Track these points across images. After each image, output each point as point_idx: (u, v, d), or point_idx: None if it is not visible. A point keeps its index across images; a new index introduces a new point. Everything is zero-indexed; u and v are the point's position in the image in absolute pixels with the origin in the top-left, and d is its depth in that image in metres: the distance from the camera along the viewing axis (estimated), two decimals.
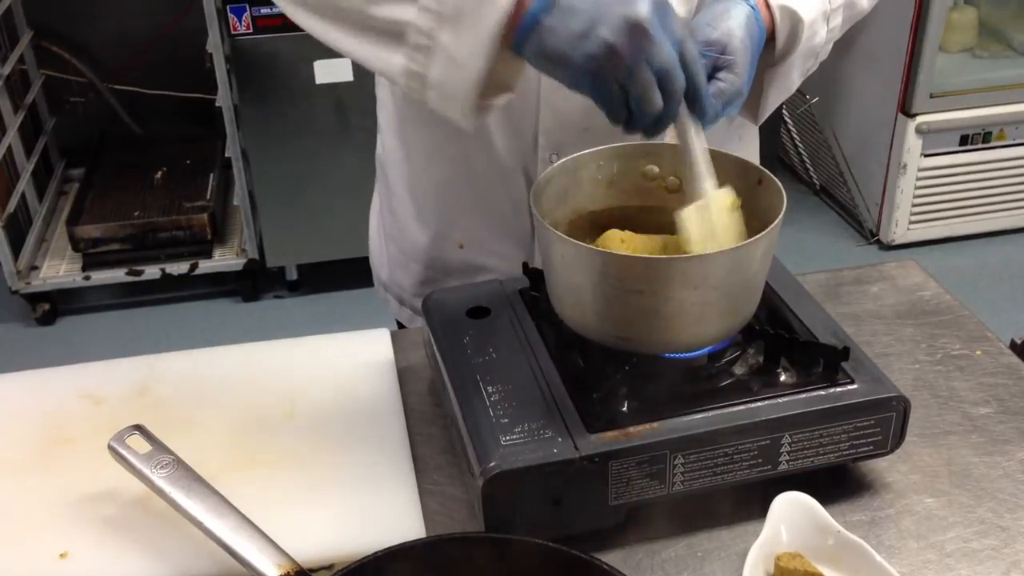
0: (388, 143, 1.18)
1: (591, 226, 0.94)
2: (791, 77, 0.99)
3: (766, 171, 0.88)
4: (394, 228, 1.22)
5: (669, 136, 0.90)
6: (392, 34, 0.82)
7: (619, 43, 0.73)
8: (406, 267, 1.21)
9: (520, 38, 0.77)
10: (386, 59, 0.83)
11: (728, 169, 0.90)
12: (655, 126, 0.79)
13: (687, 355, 0.86)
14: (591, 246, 0.84)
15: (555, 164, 0.91)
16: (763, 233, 0.80)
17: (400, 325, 1.27)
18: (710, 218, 0.83)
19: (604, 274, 0.81)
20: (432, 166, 1.13)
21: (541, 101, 1.02)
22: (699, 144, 0.82)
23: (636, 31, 0.73)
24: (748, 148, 1.20)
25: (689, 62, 0.77)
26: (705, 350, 0.86)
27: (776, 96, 1.00)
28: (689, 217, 0.83)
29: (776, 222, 0.81)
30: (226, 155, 2.78)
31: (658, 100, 0.76)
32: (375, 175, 1.26)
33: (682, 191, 0.93)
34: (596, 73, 0.75)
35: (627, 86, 0.75)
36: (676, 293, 0.79)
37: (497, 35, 0.77)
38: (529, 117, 1.03)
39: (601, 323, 0.84)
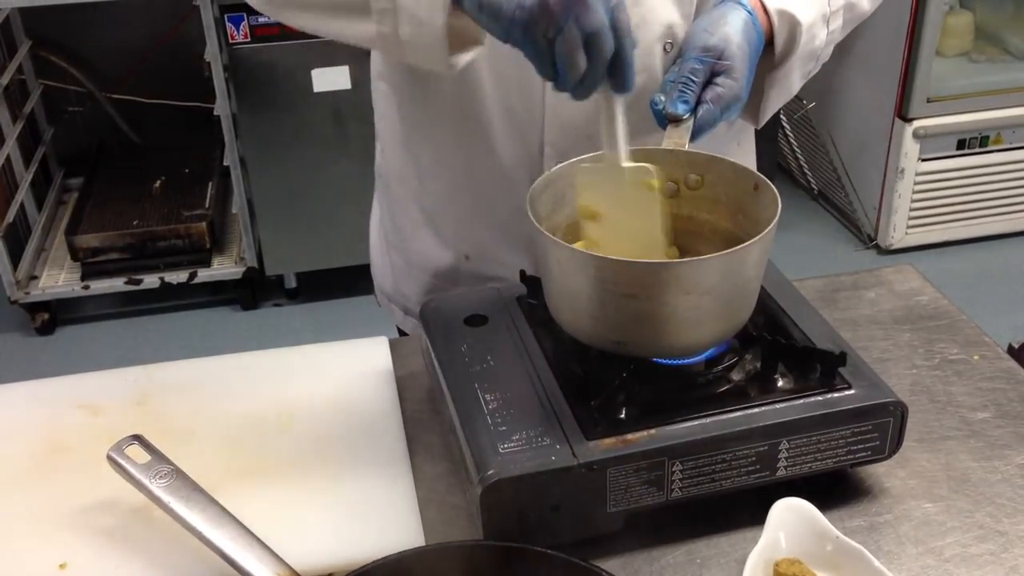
0: (390, 154, 1.18)
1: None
2: (791, 80, 0.99)
3: (762, 177, 0.89)
4: (397, 238, 1.21)
5: (666, 141, 0.90)
6: (356, 6, 0.86)
7: (551, 0, 0.74)
8: (412, 277, 1.21)
9: None
10: (359, 29, 0.88)
11: (724, 174, 0.91)
12: (579, 88, 0.78)
13: (684, 361, 0.86)
14: (586, 251, 0.84)
15: (551, 170, 0.92)
16: (757, 238, 0.80)
17: (402, 332, 1.27)
18: (612, 183, 0.85)
19: (599, 278, 0.81)
20: (437, 176, 1.13)
21: (546, 109, 1.02)
22: (617, 110, 0.82)
23: None
24: (746, 153, 1.20)
25: (619, 30, 0.76)
26: (702, 356, 0.87)
27: (776, 99, 1.00)
28: (586, 173, 0.86)
29: (770, 227, 0.81)
30: (224, 163, 2.79)
31: (582, 61, 0.76)
32: (374, 184, 1.26)
33: (679, 195, 0.94)
34: (527, 26, 0.76)
35: (555, 43, 0.76)
36: (670, 297, 0.80)
37: None
38: (534, 126, 1.03)
39: (596, 327, 0.84)
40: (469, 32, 0.84)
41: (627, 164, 0.85)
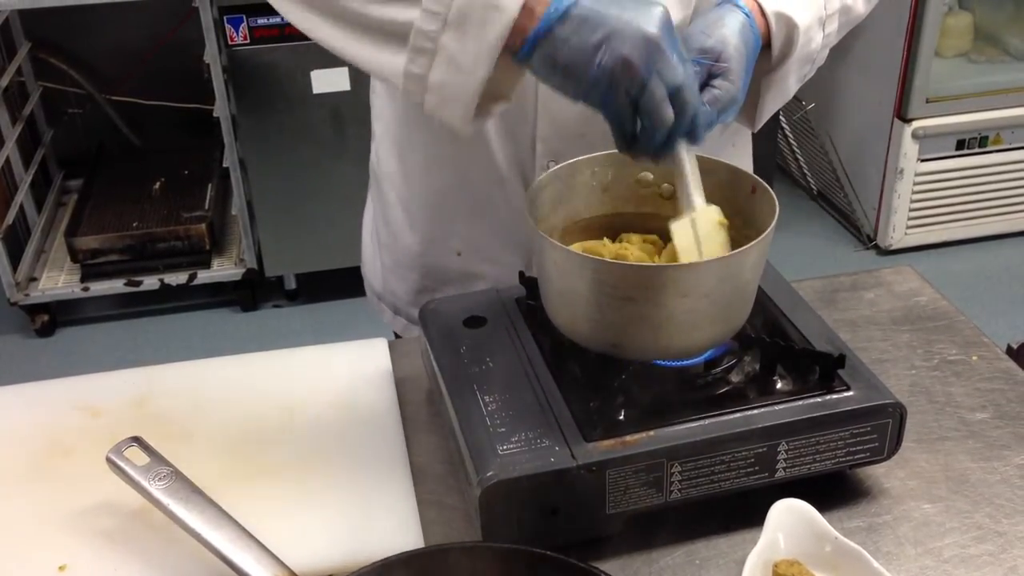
0: (383, 152, 1.18)
1: (585, 232, 0.94)
2: (787, 83, 0.99)
3: (759, 179, 0.89)
4: (388, 238, 1.22)
5: None
6: (393, 35, 0.81)
7: (634, 57, 0.74)
8: (401, 276, 1.21)
9: (529, 47, 0.77)
10: (386, 60, 0.82)
11: (721, 177, 0.91)
12: (663, 146, 0.79)
13: (682, 363, 0.86)
14: (583, 253, 0.84)
15: (550, 170, 0.92)
16: (754, 242, 0.80)
17: (395, 335, 1.27)
18: (698, 231, 0.84)
19: (596, 281, 0.81)
20: (429, 174, 1.13)
21: (539, 108, 1.02)
22: (691, 161, 0.83)
23: (651, 46, 0.74)
24: (742, 155, 1.20)
25: (694, 92, 0.78)
26: (701, 358, 0.87)
27: (773, 102, 1.00)
28: (680, 229, 0.84)
29: (768, 231, 0.81)
30: (224, 165, 2.79)
31: (669, 115, 0.76)
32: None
33: (676, 197, 0.94)
34: (608, 86, 0.75)
35: (639, 101, 0.75)
36: (667, 301, 0.80)
37: (501, 42, 0.77)
38: (526, 124, 1.03)
39: (593, 330, 0.84)
40: (501, 86, 0.81)
41: (703, 207, 0.85)
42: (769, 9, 0.93)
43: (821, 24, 0.98)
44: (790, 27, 0.94)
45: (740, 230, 0.89)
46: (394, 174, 1.17)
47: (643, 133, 0.78)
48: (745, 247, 0.80)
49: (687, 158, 0.83)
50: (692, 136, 0.81)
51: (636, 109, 0.76)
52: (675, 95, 0.76)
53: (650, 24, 0.74)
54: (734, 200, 0.90)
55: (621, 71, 0.74)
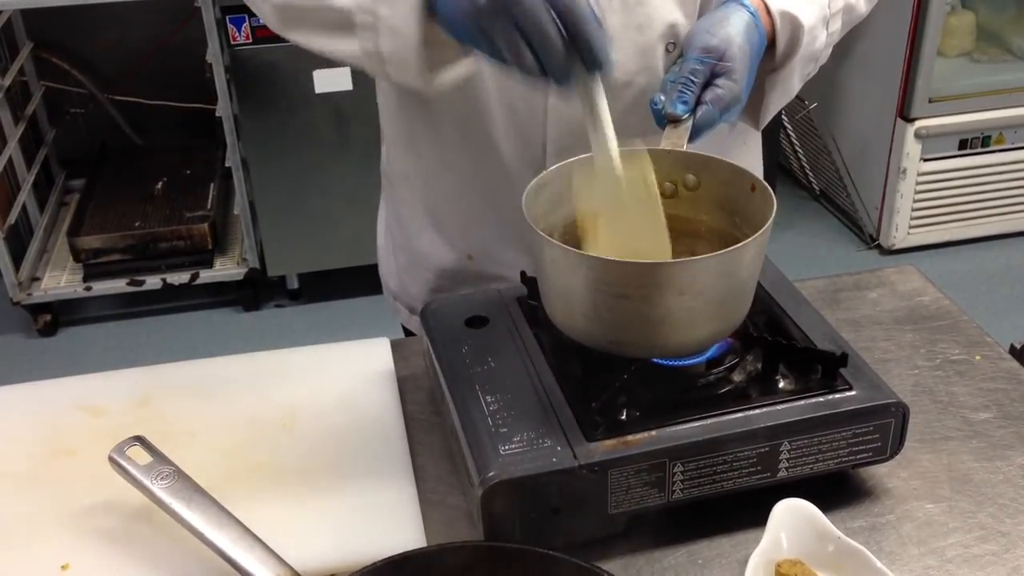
0: (394, 154, 1.18)
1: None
2: (791, 82, 0.99)
3: (758, 178, 0.89)
4: (403, 238, 1.22)
5: (664, 141, 0.90)
6: (343, 23, 0.87)
7: (483, 2, 0.74)
8: (416, 276, 1.21)
9: (431, 5, 0.81)
10: (344, 46, 0.89)
11: (722, 175, 0.91)
12: (558, 83, 0.77)
13: (685, 362, 0.86)
14: (579, 250, 0.84)
15: (549, 169, 0.91)
16: (751, 238, 0.80)
17: (408, 332, 1.27)
18: (603, 173, 0.84)
19: (592, 278, 0.81)
20: (440, 176, 1.13)
21: (548, 108, 1.02)
22: (598, 99, 0.81)
23: None
24: (752, 154, 1.20)
25: (570, 14, 0.74)
26: (703, 357, 0.87)
27: (777, 101, 1.00)
28: (582, 166, 0.86)
29: (764, 228, 0.81)
30: (226, 165, 2.79)
31: (529, 58, 0.75)
32: (378, 184, 1.26)
33: (677, 196, 0.94)
34: (471, 32, 0.77)
35: (497, 45, 0.76)
36: (664, 298, 0.80)
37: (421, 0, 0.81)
38: (536, 124, 1.03)
39: (591, 327, 0.84)
40: (449, 46, 0.84)
41: (617, 156, 0.83)
42: (775, 8, 0.93)
43: (825, 23, 0.97)
44: (795, 26, 0.94)
45: (740, 228, 0.89)
46: (405, 175, 1.17)
47: (521, 72, 0.77)
48: (742, 244, 0.80)
49: (596, 97, 0.80)
50: (592, 66, 0.78)
51: (524, 37, 0.75)
52: (529, 32, 0.74)
53: None
54: (734, 198, 0.90)
55: (474, 16, 0.75)
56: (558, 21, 0.75)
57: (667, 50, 1.00)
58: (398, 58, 0.85)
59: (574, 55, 0.77)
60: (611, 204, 0.86)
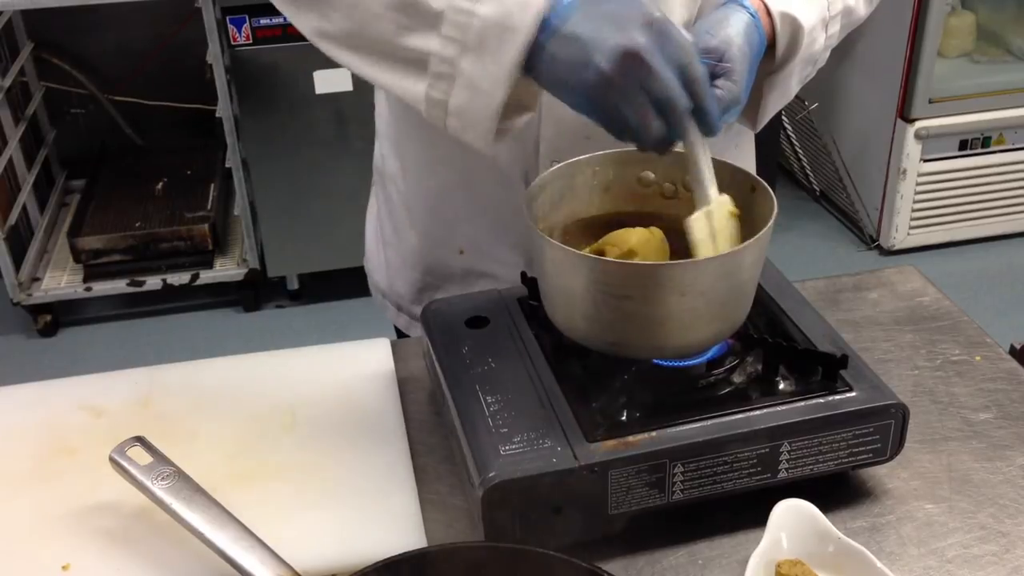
0: (386, 150, 1.19)
1: (586, 232, 0.94)
2: (790, 84, 0.99)
3: (759, 179, 0.89)
4: (392, 235, 1.22)
5: None
6: (415, 63, 0.83)
7: (613, 72, 0.74)
8: (404, 274, 1.21)
9: (530, 64, 0.79)
10: (409, 87, 0.84)
11: (723, 177, 0.91)
12: (659, 147, 0.80)
13: (683, 363, 0.86)
14: (580, 251, 0.84)
15: (550, 169, 0.92)
16: (752, 240, 0.80)
17: (398, 331, 1.27)
18: (713, 223, 0.84)
19: (592, 279, 0.81)
20: (431, 172, 1.13)
21: (543, 109, 1.02)
22: (704, 155, 0.83)
23: (631, 60, 0.74)
24: (745, 156, 1.20)
25: (695, 82, 0.77)
26: (703, 358, 0.87)
27: (775, 103, 1.00)
28: (697, 223, 0.84)
29: (765, 229, 0.81)
30: (227, 165, 2.79)
31: (657, 126, 0.77)
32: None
33: (678, 196, 0.94)
34: (592, 100, 0.77)
35: (624, 114, 0.76)
36: (664, 299, 0.80)
37: (519, 63, 0.78)
38: (530, 125, 1.03)
39: (591, 328, 0.84)
40: (522, 100, 0.83)
41: (717, 198, 0.85)
42: (775, 9, 0.93)
43: (824, 25, 0.98)
44: (795, 28, 0.94)
45: (742, 229, 0.89)
46: (397, 172, 1.17)
47: (637, 139, 0.79)
48: (742, 245, 0.80)
49: (699, 150, 0.83)
50: (704, 127, 0.81)
51: (655, 107, 0.77)
52: (663, 105, 0.76)
53: (630, 37, 0.75)
54: (734, 199, 0.90)
55: (602, 87, 0.75)
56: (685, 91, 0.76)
57: None
58: (469, 116, 0.82)
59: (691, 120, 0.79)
60: (707, 243, 0.84)
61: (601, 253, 0.88)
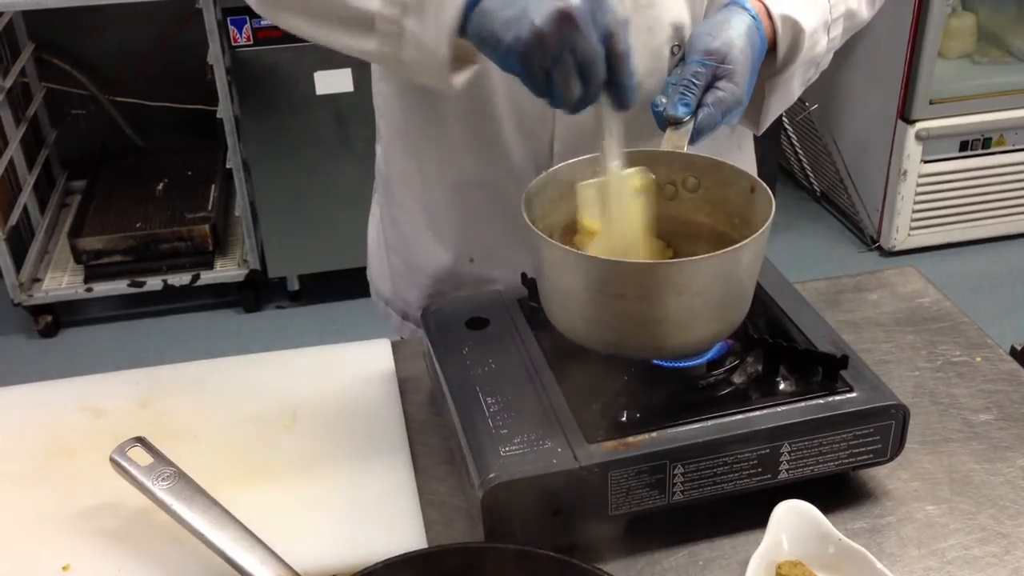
0: (392, 154, 1.18)
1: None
2: (792, 86, 0.99)
3: (758, 179, 0.89)
4: (398, 240, 1.21)
5: (665, 143, 0.90)
6: (363, 23, 0.87)
7: (547, 30, 0.76)
8: (412, 280, 1.20)
9: (465, 21, 0.81)
10: (360, 44, 0.89)
11: (722, 177, 0.91)
12: (574, 108, 0.81)
13: (683, 364, 0.86)
14: (577, 251, 0.84)
15: (550, 170, 0.92)
16: (749, 239, 0.80)
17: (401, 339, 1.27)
18: (608, 193, 0.87)
19: (590, 279, 0.81)
20: (442, 177, 1.12)
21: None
22: (613, 127, 0.85)
23: (564, 20, 0.75)
24: (746, 157, 1.20)
25: (616, 55, 0.79)
26: (703, 358, 0.87)
27: (777, 105, 1.00)
28: (583, 189, 0.87)
29: (763, 229, 0.81)
30: (227, 166, 2.79)
31: (577, 89, 0.79)
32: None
33: (678, 197, 0.94)
34: (523, 56, 0.78)
35: (550, 71, 0.78)
36: (660, 298, 0.80)
37: (457, 20, 0.81)
38: (544, 124, 1.03)
39: (589, 328, 0.84)
40: (468, 52, 0.86)
41: (618, 172, 0.87)
42: (776, 12, 0.93)
43: (826, 28, 0.98)
44: (796, 31, 0.94)
45: (739, 229, 0.89)
46: (405, 175, 1.16)
47: (553, 99, 0.81)
48: (739, 244, 0.80)
49: (610, 122, 0.84)
50: (616, 104, 0.82)
51: (548, 78, 0.79)
52: (585, 69, 0.78)
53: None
54: (734, 199, 0.91)
55: (534, 43, 0.76)
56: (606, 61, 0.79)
57: (672, 52, 1.00)
58: (420, 69, 0.87)
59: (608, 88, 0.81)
60: (611, 217, 0.87)
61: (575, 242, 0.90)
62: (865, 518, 0.86)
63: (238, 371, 1.04)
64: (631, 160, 0.94)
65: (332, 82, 2.60)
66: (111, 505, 0.86)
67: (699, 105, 0.90)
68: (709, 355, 0.87)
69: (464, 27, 0.81)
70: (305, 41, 0.95)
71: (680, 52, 1.00)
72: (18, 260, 2.82)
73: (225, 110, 2.69)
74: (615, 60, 0.79)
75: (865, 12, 1.04)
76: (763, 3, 0.93)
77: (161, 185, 3.05)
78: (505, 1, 0.78)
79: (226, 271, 2.90)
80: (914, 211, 3.01)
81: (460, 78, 0.87)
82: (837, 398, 0.84)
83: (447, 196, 1.13)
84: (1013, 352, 1.07)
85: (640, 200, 0.88)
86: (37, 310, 2.84)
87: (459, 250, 1.15)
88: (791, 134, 3.36)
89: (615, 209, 0.87)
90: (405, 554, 0.74)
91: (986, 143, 2.95)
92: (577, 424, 0.81)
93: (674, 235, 0.93)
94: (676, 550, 0.83)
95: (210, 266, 2.90)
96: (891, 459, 0.86)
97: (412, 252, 1.19)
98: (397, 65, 0.89)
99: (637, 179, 0.88)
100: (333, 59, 2.56)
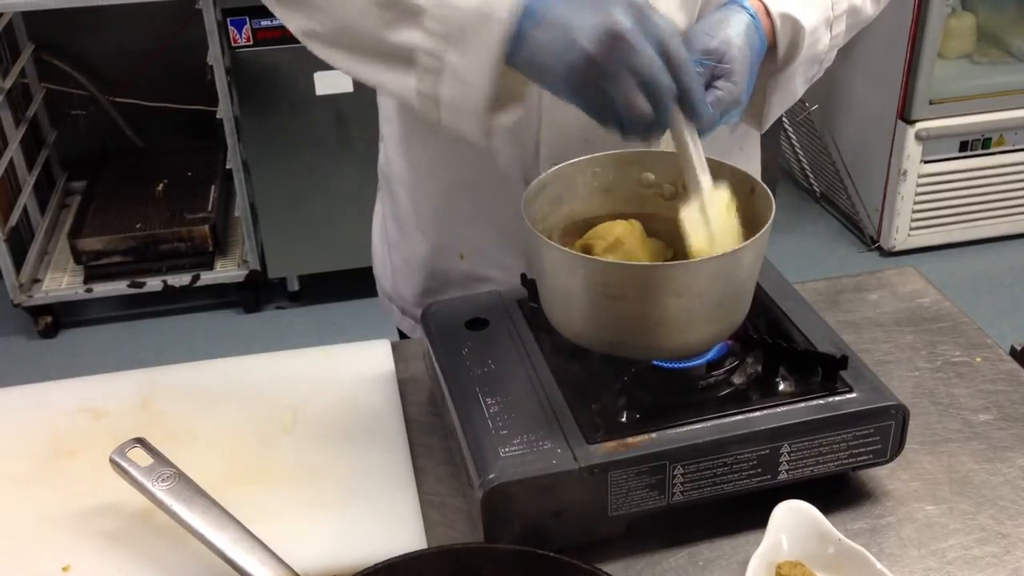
0: (391, 154, 1.19)
1: (585, 233, 0.94)
2: (794, 85, 0.99)
3: (758, 180, 0.89)
4: (397, 239, 1.22)
5: (665, 144, 0.90)
6: (402, 58, 0.83)
7: (597, 53, 0.74)
8: (408, 277, 1.22)
9: (511, 51, 0.78)
10: (399, 83, 0.84)
11: (722, 178, 0.91)
12: (647, 132, 0.79)
13: (683, 364, 0.86)
14: (576, 252, 0.84)
15: (550, 170, 0.91)
16: (749, 241, 0.80)
17: (402, 334, 1.27)
18: (709, 217, 0.83)
19: (589, 280, 0.81)
20: (434, 176, 1.13)
21: (542, 111, 1.02)
22: (694, 145, 0.82)
23: (614, 39, 0.74)
24: (750, 158, 1.20)
25: (677, 65, 0.77)
26: (703, 359, 0.87)
27: (779, 104, 1.00)
28: (690, 217, 0.83)
29: (763, 230, 0.81)
30: (227, 167, 2.79)
31: (644, 106, 0.76)
32: (377, 185, 1.27)
33: (678, 198, 0.93)
34: (577, 84, 0.76)
35: (611, 95, 0.76)
36: (660, 300, 0.80)
37: (500, 51, 0.78)
38: (530, 127, 1.03)
39: (588, 329, 0.84)
40: (512, 90, 0.83)
41: (711, 191, 0.84)
42: (775, 10, 0.93)
43: (828, 25, 0.97)
44: (796, 28, 0.94)
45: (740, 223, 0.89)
46: (402, 175, 1.17)
47: (623, 125, 0.78)
48: (739, 246, 0.80)
49: (687, 137, 0.81)
50: (690, 117, 0.80)
51: (613, 103, 0.76)
52: (648, 85, 0.75)
53: (611, 17, 0.74)
54: (736, 200, 0.90)
55: (586, 68, 0.74)
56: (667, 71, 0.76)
57: None
58: (458, 106, 0.82)
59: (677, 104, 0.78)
60: (712, 244, 0.83)
61: (588, 248, 0.88)
62: (865, 518, 0.86)
63: (238, 372, 1.04)
64: (631, 160, 0.94)
65: (332, 82, 2.60)
66: (111, 506, 0.86)
67: None
68: (709, 356, 0.87)
69: (511, 57, 0.78)
70: None
71: None
72: (18, 261, 2.82)
73: (225, 110, 2.69)
74: (676, 69, 0.76)
75: (870, 8, 1.03)
76: (762, 1, 0.93)
77: (161, 186, 3.05)
78: (551, 27, 0.76)
79: (226, 271, 2.90)
80: (914, 211, 3.02)
81: (502, 120, 0.83)
82: (837, 398, 0.84)
83: (438, 196, 1.14)
84: (1013, 352, 1.07)
85: (732, 217, 0.85)
86: (37, 311, 2.84)
87: (449, 249, 1.15)
88: (791, 134, 3.36)
89: (716, 231, 0.83)
90: (405, 554, 0.74)
91: (986, 143, 2.96)
92: (577, 424, 0.81)
93: (674, 235, 0.93)
94: (676, 550, 0.83)
95: (210, 267, 2.90)
96: (891, 459, 0.86)
97: (407, 250, 1.20)
98: (435, 108, 0.83)
99: (727, 195, 0.85)
100: None
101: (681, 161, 0.83)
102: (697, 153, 0.83)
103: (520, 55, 0.78)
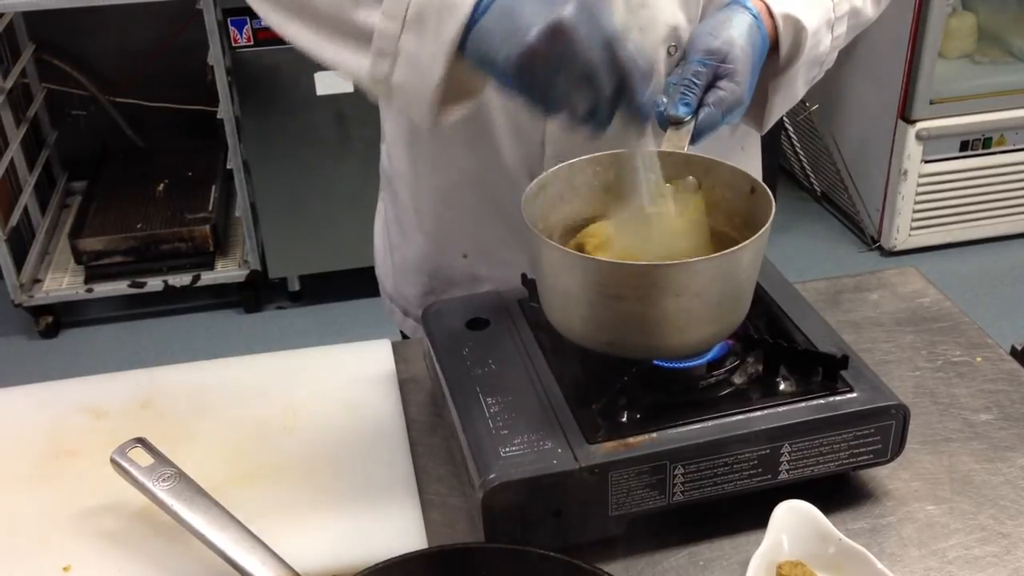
0: (394, 153, 1.18)
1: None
2: (795, 85, 0.99)
3: (758, 180, 0.89)
4: (399, 239, 1.22)
5: (665, 143, 0.90)
6: (359, 37, 0.84)
7: (540, 45, 0.74)
8: (409, 278, 1.21)
9: (463, 40, 0.79)
10: (351, 61, 0.85)
11: (722, 178, 0.91)
12: (593, 128, 0.78)
13: (683, 364, 0.86)
14: (575, 251, 0.84)
15: (550, 170, 0.91)
16: (748, 241, 0.80)
17: (404, 336, 1.27)
18: (652, 235, 0.84)
19: (588, 280, 0.81)
20: (437, 174, 1.13)
21: None
22: (643, 147, 0.82)
23: (557, 33, 0.73)
24: (751, 158, 1.20)
25: (621, 65, 0.75)
26: (703, 359, 0.87)
27: (781, 105, 1.00)
28: (620, 219, 0.85)
29: (763, 230, 0.81)
30: (228, 167, 2.79)
31: (581, 103, 0.76)
32: (378, 185, 1.26)
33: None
34: (518, 75, 0.76)
35: (550, 89, 0.76)
36: (659, 299, 0.80)
37: (456, 39, 0.78)
38: (535, 125, 1.03)
39: (587, 328, 0.84)
40: (467, 84, 0.83)
41: (654, 198, 0.84)
42: (777, 11, 0.93)
43: (830, 27, 0.97)
44: (798, 29, 0.94)
45: (739, 230, 0.89)
46: (405, 174, 1.17)
47: (570, 120, 0.77)
48: (739, 246, 0.80)
49: (636, 139, 0.80)
50: (631, 111, 0.78)
51: (555, 92, 0.76)
52: (590, 81, 0.75)
53: (557, 11, 0.73)
54: (734, 200, 0.90)
55: (528, 60, 0.74)
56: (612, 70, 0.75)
57: (669, 53, 1.00)
58: (410, 93, 0.83)
59: (621, 103, 0.77)
60: (640, 242, 0.85)
61: (580, 247, 0.88)
62: (865, 518, 0.86)
63: (239, 372, 1.04)
64: (627, 159, 0.94)
65: (332, 83, 2.60)
66: (112, 506, 0.86)
67: (700, 105, 0.89)
68: (709, 355, 0.87)
69: (463, 47, 0.79)
70: None
71: (677, 53, 1.00)
72: (19, 261, 2.82)
73: (225, 111, 2.70)
74: (620, 70, 0.75)
75: (871, 10, 1.03)
76: (764, 2, 0.93)
77: (161, 186, 3.05)
78: (502, 19, 0.76)
79: (227, 272, 2.90)
80: (914, 211, 3.01)
81: (451, 114, 0.84)
82: (837, 398, 0.84)
83: (442, 195, 1.14)
84: (1013, 352, 1.07)
85: (700, 218, 0.85)
86: (38, 311, 2.84)
87: (452, 249, 1.15)
88: (792, 134, 3.36)
89: (659, 230, 0.84)
90: (405, 554, 0.74)
91: (986, 143, 2.96)
92: (577, 424, 0.81)
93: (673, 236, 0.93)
94: (676, 550, 0.83)
95: (211, 267, 2.90)
96: (891, 459, 0.86)
97: (410, 250, 1.19)
98: (386, 91, 0.84)
99: (693, 197, 0.84)
100: None
101: (628, 163, 0.83)
102: (648, 163, 0.82)
103: (470, 44, 0.78)
